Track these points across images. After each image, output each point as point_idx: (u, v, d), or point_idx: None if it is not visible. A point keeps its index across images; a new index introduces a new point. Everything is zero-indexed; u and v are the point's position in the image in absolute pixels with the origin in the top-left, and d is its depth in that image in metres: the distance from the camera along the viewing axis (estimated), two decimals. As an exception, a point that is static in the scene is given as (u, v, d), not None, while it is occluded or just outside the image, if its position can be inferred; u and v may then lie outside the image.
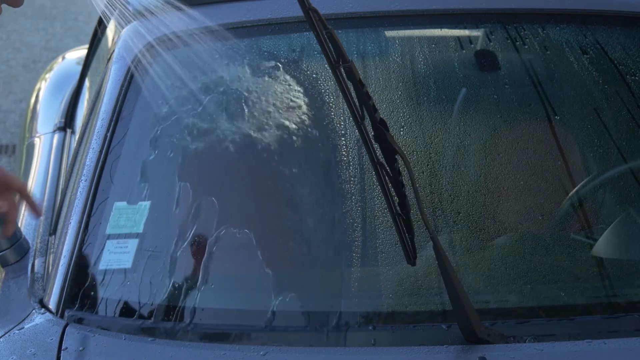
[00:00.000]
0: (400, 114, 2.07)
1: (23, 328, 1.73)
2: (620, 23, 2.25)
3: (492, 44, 2.18)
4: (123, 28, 2.17)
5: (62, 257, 1.83)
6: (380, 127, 1.59)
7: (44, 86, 3.67)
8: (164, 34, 2.10)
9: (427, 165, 1.99)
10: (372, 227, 1.91)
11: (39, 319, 1.75)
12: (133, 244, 1.83)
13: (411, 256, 1.69)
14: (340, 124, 2.03)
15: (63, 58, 4.04)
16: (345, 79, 1.57)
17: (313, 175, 1.98)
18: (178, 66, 2.10)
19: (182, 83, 2.10)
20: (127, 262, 1.81)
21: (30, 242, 2.07)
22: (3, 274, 1.99)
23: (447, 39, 2.23)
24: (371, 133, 1.61)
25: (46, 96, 3.52)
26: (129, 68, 2.06)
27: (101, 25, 2.99)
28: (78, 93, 3.12)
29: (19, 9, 1.69)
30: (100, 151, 1.94)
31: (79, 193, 1.91)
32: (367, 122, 1.60)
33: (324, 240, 1.90)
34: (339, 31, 1.75)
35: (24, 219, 2.30)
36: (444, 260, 1.63)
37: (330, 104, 2.06)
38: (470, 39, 2.21)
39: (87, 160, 1.95)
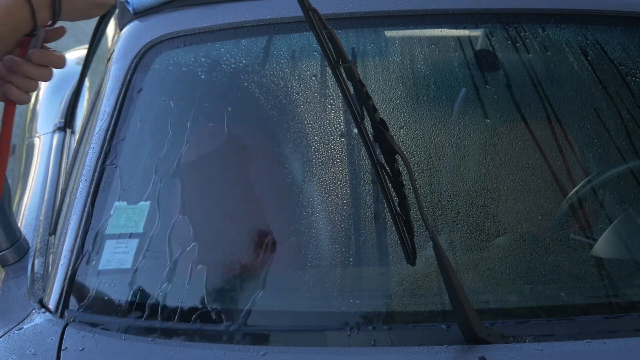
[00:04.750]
0: (400, 114, 2.07)
1: (23, 328, 1.73)
2: (620, 23, 2.25)
3: (492, 44, 2.18)
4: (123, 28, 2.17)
5: (62, 257, 1.83)
6: (380, 127, 1.59)
7: (44, 86, 3.66)
8: (163, 33, 2.10)
9: (427, 165, 1.99)
10: (372, 227, 1.91)
11: (38, 319, 1.75)
12: (133, 244, 1.83)
13: (411, 256, 1.69)
14: (340, 124, 2.03)
15: (63, 58, 4.03)
16: (345, 79, 1.57)
17: (312, 175, 1.98)
18: (177, 66, 2.10)
19: (182, 83, 2.10)
20: (126, 262, 1.81)
21: (30, 242, 2.07)
22: (3, 274, 1.99)
23: (447, 39, 2.23)
24: (371, 133, 1.61)
25: (46, 96, 3.51)
26: (129, 68, 2.06)
27: (101, 26, 2.99)
28: (78, 93, 3.12)
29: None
30: (100, 151, 1.94)
31: (79, 193, 1.91)
32: (367, 122, 1.60)
33: (324, 240, 1.90)
34: (339, 31, 1.75)
35: (24, 219, 2.30)
36: (444, 260, 1.63)
37: (330, 104, 2.06)
38: (470, 39, 2.21)
39: (87, 160, 1.95)
